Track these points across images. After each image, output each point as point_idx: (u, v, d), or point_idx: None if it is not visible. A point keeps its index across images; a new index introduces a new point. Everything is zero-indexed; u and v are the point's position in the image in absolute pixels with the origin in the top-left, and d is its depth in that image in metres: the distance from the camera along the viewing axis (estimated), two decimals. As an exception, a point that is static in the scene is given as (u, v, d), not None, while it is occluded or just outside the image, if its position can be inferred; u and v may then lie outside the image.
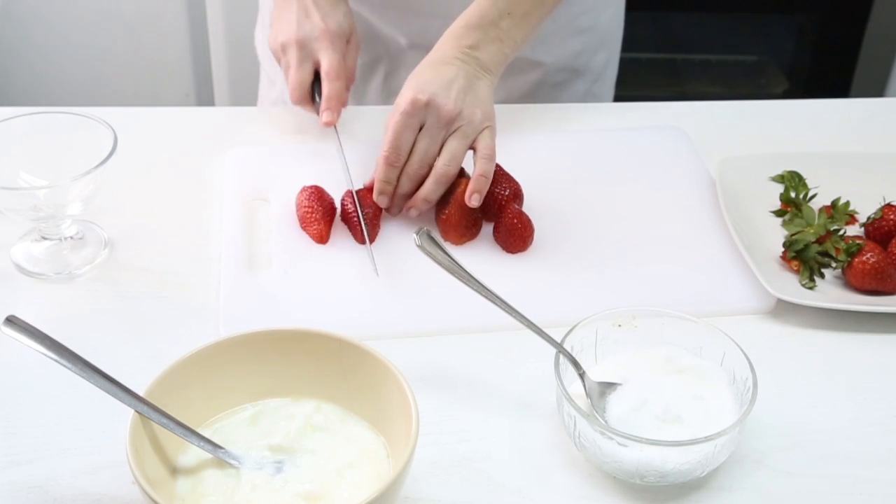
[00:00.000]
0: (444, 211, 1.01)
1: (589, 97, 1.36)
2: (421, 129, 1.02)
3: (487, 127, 1.04)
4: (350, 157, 1.09)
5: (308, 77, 1.13)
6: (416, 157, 1.02)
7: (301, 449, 0.75)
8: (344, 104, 1.13)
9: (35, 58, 2.31)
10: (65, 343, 0.73)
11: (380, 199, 1.02)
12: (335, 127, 1.11)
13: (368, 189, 1.02)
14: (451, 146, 1.02)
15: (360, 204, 1.00)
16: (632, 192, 1.10)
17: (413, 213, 1.03)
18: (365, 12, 1.25)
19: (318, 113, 1.13)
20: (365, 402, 0.77)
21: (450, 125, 1.02)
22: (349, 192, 1.02)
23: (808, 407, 0.86)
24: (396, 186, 1.03)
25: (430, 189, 1.02)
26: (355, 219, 1.00)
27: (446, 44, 1.07)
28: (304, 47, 1.12)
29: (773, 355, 0.91)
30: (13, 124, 0.97)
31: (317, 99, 1.13)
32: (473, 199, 0.99)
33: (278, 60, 1.16)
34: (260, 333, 0.78)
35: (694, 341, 0.83)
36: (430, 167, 1.02)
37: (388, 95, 1.31)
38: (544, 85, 1.31)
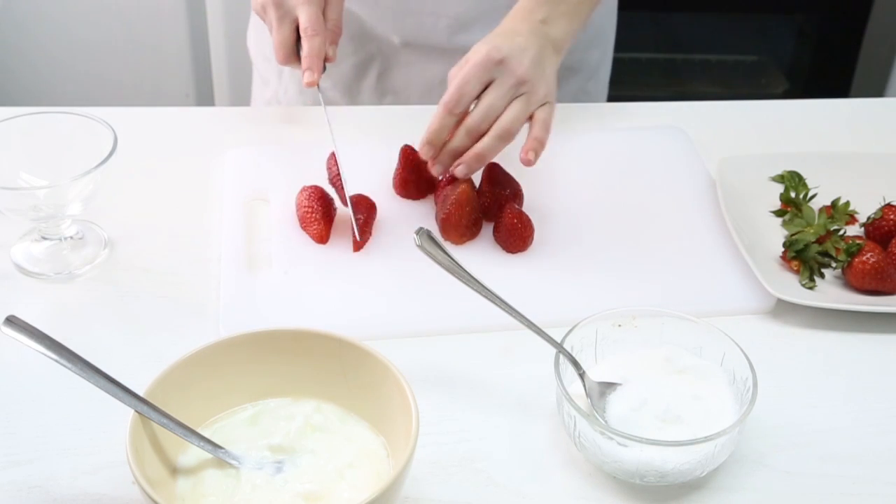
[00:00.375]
0: (444, 211, 1.01)
1: (582, 95, 1.35)
2: (488, 87, 1.00)
3: (548, 102, 1.03)
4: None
5: (289, 35, 1.09)
6: (480, 110, 1.00)
7: (301, 449, 0.75)
8: (329, 59, 1.09)
9: (35, 57, 2.31)
10: (65, 343, 0.73)
11: (425, 150, 1.01)
12: (318, 87, 1.08)
13: (361, 197, 1.02)
14: (516, 108, 1.00)
15: (353, 209, 1.00)
16: (632, 192, 1.10)
17: (461, 170, 1.01)
18: (357, 11, 1.24)
19: None
20: (365, 402, 0.77)
21: (518, 87, 1.00)
22: (332, 155, 1.00)
23: (808, 407, 0.86)
24: (447, 141, 1.01)
25: (489, 145, 1.00)
26: (340, 183, 0.99)
27: (517, 16, 1.05)
28: (281, 5, 1.08)
29: (773, 355, 0.91)
30: (13, 124, 0.97)
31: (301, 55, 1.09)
32: (530, 155, 0.98)
33: (263, 20, 1.12)
34: (260, 333, 0.78)
35: (694, 341, 0.83)
36: (490, 126, 1.00)
37: (382, 95, 1.31)
38: None
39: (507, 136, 1.00)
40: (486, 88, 1.00)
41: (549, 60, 1.04)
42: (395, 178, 1.07)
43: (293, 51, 1.09)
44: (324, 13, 1.08)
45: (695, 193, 1.10)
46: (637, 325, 0.84)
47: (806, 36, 2.53)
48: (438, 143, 1.01)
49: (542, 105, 1.02)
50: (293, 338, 0.78)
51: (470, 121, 1.00)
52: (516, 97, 1.00)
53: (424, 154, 1.01)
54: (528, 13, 1.05)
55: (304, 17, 1.07)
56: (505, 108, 1.00)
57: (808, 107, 1.32)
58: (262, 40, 1.35)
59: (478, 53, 1.00)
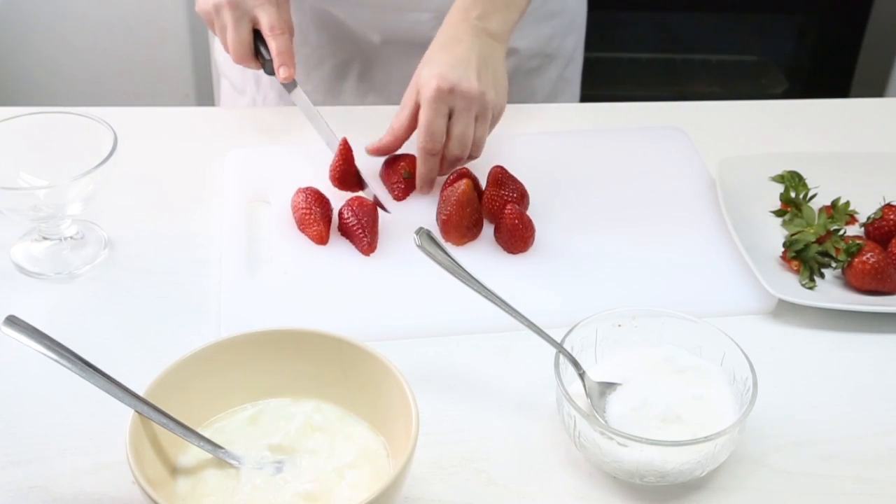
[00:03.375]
0: (445, 212, 1.01)
1: (561, 82, 1.37)
2: (450, 115, 1.04)
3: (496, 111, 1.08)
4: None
5: (248, 35, 1.11)
6: (455, 143, 1.04)
7: (301, 449, 0.75)
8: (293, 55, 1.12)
9: (35, 58, 2.31)
10: (65, 343, 0.73)
11: (423, 190, 1.07)
12: (295, 81, 1.10)
13: (362, 200, 1.02)
14: (479, 131, 1.06)
15: (355, 212, 1.00)
16: (632, 193, 1.10)
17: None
18: (336, 12, 1.25)
19: (262, 68, 1.12)
20: (365, 402, 0.77)
21: (475, 105, 1.04)
22: (347, 204, 1.01)
23: (808, 407, 0.86)
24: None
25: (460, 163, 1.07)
26: (357, 230, 0.99)
27: (455, 17, 1.09)
28: (237, 6, 1.10)
29: (773, 355, 0.91)
30: (13, 124, 0.97)
31: (261, 56, 1.11)
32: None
33: (210, 24, 1.14)
34: (260, 333, 0.78)
35: (694, 341, 0.83)
36: (468, 150, 1.05)
37: (364, 94, 1.31)
38: (519, 72, 1.32)
39: (476, 156, 1.08)
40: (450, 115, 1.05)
41: (496, 55, 1.08)
42: (332, 171, 1.07)
43: (251, 50, 1.12)
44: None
45: (695, 193, 1.10)
46: (637, 325, 0.84)
47: (806, 36, 2.53)
48: (432, 181, 1.07)
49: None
50: (293, 338, 0.78)
51: (451, 156, 1.06)
52: (477, 116, 1.05)
53: (424, 192, 1.07)
54: (464, 11, 1.09)
55: (267, 18, 1.09)
56: (474, 129, 1.06)
57: (808, 107, 1.32)
58: None
59: (429, 89, 1.03)
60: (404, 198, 1.07)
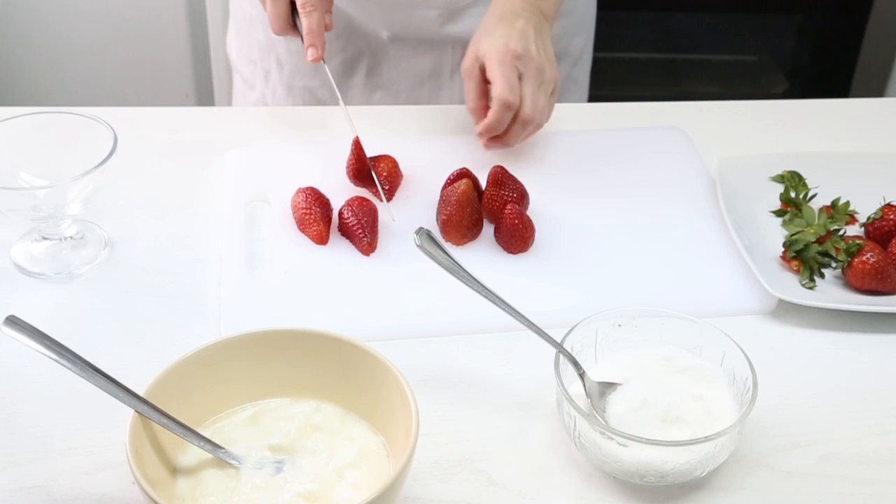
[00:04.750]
0: (446, 212, 1.01)
1: (569, 81, 1.38)
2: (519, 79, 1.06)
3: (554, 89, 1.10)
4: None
5: (284, 8, 1.10)
6: (530, 105, 1.05)
7: (301, 449, 0.75)
8: (328, 27, 1.11)
9: (35, 58, 2.31)
10: (65, 343, 0.73)
11: (484, 139, 1.08)
12: (323, 62, 1.09)
13: (362, 200, 1.02)
14: (542, 101, 1.07)
15: (355, 211, 1.00)
16: (632, 193, 1.10)
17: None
18: (344, 8, 1.25)
19: (302, 40, 1.10)
20: (365, 402, 0.77)
21: (539, 73, 1.06)
22: (347, 204, 1.01)
23: (808, 407, 0.86)
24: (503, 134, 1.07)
25: (529, 134, 1.09)
26: (357, 230, 1.00)
27: None
28: None
29: (773, 355, 0.91)
30: (13, 124, 0.97)
31: (298, 25, 1.11)
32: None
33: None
34: (260, 333, 0.78)
35: (694, 341, 0.83)
36: (538, 113, 1.07)
37: (372, 91, 1.31)
38: None
39: (542, 124, 1.10)
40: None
41: (546, 34, 1.10)
42: (348, 168, 1.07)
43: (288, 22, 1.11)
44: None
45: (695, 193, 1.10)
46: (637, 325, 0.84)
47: (806, 36, 2.53)
48: (495, 135, 1.08)
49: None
50: (293, 338, 0.78)
51: (525, 117, 1.06)
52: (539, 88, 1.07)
53: (485, 146, 1.09)
54: None
55: None
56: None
57: (808, 107, 1.32)
58: (247, 44, 1.35)
59: (496, 52, 1.04)
60: (390, 199, 1.06)
